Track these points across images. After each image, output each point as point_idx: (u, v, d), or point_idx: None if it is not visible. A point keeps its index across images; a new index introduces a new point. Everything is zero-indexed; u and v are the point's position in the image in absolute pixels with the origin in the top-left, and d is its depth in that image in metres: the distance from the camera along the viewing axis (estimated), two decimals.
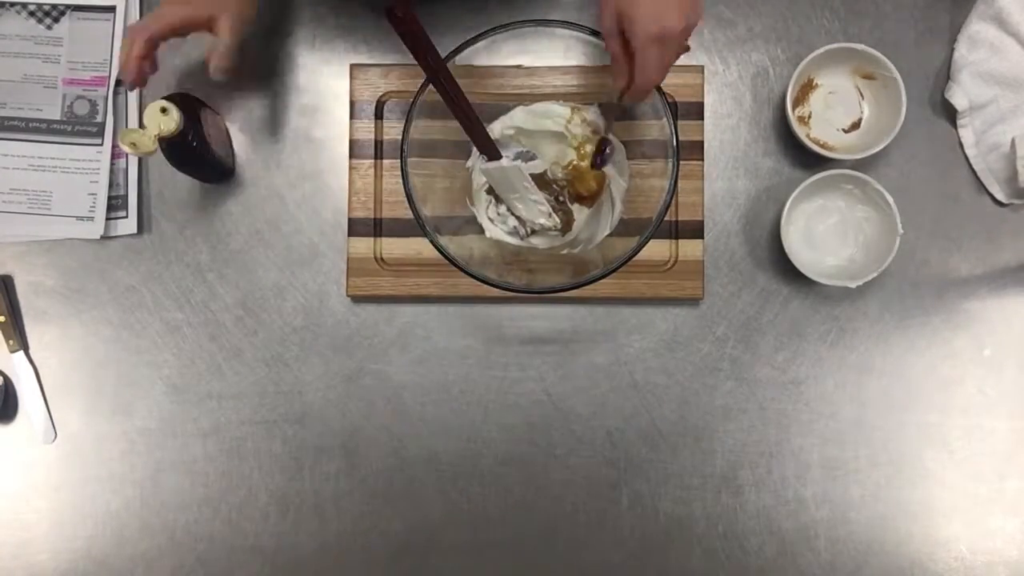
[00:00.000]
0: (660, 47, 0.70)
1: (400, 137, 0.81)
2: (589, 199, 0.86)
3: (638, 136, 0.86)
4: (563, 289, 0.80)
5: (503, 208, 0.88)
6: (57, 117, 0.94)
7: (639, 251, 0.79)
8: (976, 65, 0.91)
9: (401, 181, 0.81)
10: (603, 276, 0.80)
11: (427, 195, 0.84)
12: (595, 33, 0.80)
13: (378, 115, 0.92)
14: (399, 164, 0.81)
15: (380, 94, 0.92)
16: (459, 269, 0.80)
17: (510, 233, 0.88)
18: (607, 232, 0.87)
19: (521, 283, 0.82)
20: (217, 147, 0.87)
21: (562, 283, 0.80)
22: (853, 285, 0.88)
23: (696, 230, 0.91)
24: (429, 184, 0.86)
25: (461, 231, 0.89)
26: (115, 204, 0.93)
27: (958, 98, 0.91)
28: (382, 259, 0.91)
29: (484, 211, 0.89)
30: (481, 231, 0.89)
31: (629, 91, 0.75)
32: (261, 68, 0.94)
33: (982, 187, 0.93)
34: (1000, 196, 0.92)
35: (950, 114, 0.93)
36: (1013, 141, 0.90)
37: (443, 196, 0.88)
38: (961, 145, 0.93)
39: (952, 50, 0.92)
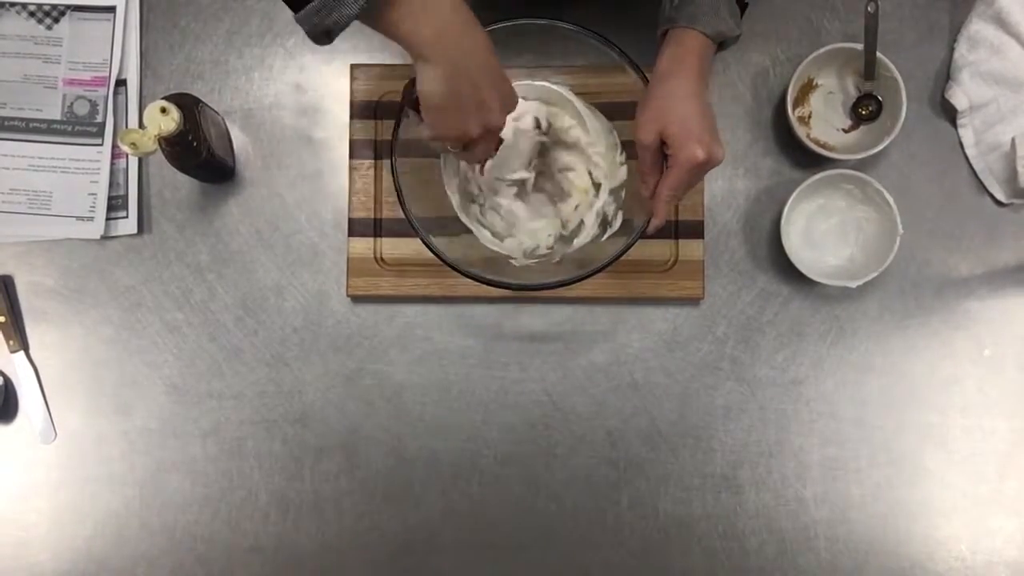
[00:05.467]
0: (700, 173, 0.74)
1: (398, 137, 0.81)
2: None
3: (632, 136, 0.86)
4: (558, 285, 0.80)
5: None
6: (57, 117, 0.94)
7: (630, 247, 0.79)
8: (976, 65, 0.90)
9: (393, 181, 0.81)
10: (598, 271, 0.80)
11: (423, 195, 0.84)
12: (591, 32, 0.80)
13: (378, 115, 0.92)
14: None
15: (380, 94, 0.92)
16: (451, 268, 0.80)
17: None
18: (595, 232, 0.87)
19: (517, 281, 0.82)
20: (217, 147, 0.87)
21: (557, 279, 0.80)
22: (853, 285, 0.88)
23: (696, 230, 0.91)
24: (425, 184, 0.86)
25: (459, 231, 0.89)
26: (115, 204, 0.93)
27: (958, 98, 0.91)
28: (382, 259, 0.91)
29: (465, 212, 0.89)
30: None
31: (655, 207, 0.76)
32: (261, 68, 0.94)
33: (982, 187, 0.93)
34: (1000, 196, 0.92)
35: (950, 114, 0.93)
36: (1013, 141, 0.90)
37: (440, 196, 0.88)
38: (961, 145, 0.93)
39: (952, 50, 0.92)
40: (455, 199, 0.89)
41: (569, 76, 0.89)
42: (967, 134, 0.92)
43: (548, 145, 0.88)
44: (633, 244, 0.80)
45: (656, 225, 0.77)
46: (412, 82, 0.68)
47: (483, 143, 0.72)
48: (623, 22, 0.85)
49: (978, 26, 0.91)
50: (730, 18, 0.75)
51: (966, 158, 0.93)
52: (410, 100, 0.69)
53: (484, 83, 0.67)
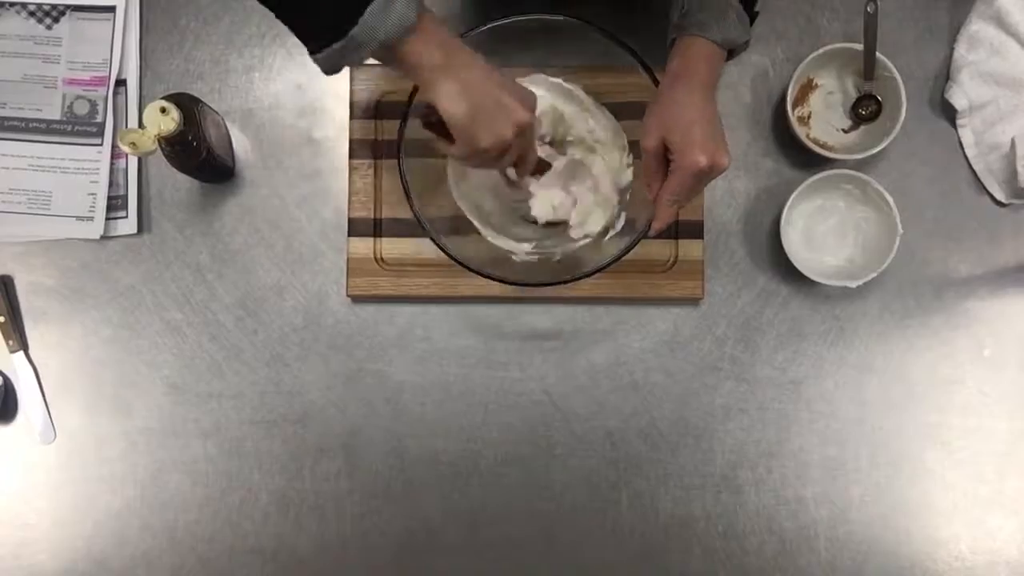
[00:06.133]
0: (702, 180, 0.73)
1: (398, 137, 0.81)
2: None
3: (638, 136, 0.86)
4: (561, 282, 0.80)
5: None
6: (57, 117, 0.94)
7: (632, 248, 0.80)
8: (976, 65, 0.90)
9: (400, 180, 0.81)
10: (599, 270, 0.80)
11: (426, 195, 0.84)
12: (604, 29, 0.80)
13: (377, 115, 0.92)
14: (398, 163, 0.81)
15: (380, 94, 0.92)
16: (456, 262, 0.80)
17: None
18: (598, 229, 0.87)
19: (519, 278, 0.82)
20: (217, 147, 0.87)
21: (560, 277, 0.81)
22: (853, 285, 0.88)
23: (696, 230, 0.91)
24: (426, 186, 0.85)
25: (461, 231, 0.88)
26: (115, 204, 0.93)
27: (958, 98, 0.91)
28: (382, 259, 0.91)
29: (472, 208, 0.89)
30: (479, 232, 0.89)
31: (656, 210, 0.76)
32: (261, 68, 0.94)
33: (982, 187, 0.93)
34: (1000, 196, 0.92)
35: (950, 114, 0.93)
36: (1013, 141, 0.90)
37: (440, 197, 0.88)
38: (961, 145, 0.93)
39: (952, 50, 0.92)
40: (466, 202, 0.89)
41: (577, 76, 0.89)
42: (967, 134, 0.92)
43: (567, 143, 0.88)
44: (634, 245, 0.80)
45: (657, 228, 0.77)
46: (428, 108, 0.70)
47: (519, 146, 0.73)
48: (628, 23, 0.85)
49: (978, 26, 0.91)
50: (739, 25, 0.75)
51: (966, 158, 0.93)
52: (432, 126, 0.72)
53: (497, 88, 0.69)
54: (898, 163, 0.93)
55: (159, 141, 0.80)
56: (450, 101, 0.67)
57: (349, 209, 0.91)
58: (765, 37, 0.93)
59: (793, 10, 0.94)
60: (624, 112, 0.87)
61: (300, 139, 0.94)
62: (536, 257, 0.88)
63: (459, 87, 0.67)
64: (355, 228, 0.91)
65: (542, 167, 0.84)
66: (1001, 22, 0.90)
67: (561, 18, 0.80)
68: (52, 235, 0.93)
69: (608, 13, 0.82)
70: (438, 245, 0.80)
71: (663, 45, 0.78)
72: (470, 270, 0.80)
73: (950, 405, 0.92)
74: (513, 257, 0.88)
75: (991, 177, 0.92)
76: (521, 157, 0.76)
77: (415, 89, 0.80)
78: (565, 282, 0.81)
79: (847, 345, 0.92)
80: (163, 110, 0.79)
